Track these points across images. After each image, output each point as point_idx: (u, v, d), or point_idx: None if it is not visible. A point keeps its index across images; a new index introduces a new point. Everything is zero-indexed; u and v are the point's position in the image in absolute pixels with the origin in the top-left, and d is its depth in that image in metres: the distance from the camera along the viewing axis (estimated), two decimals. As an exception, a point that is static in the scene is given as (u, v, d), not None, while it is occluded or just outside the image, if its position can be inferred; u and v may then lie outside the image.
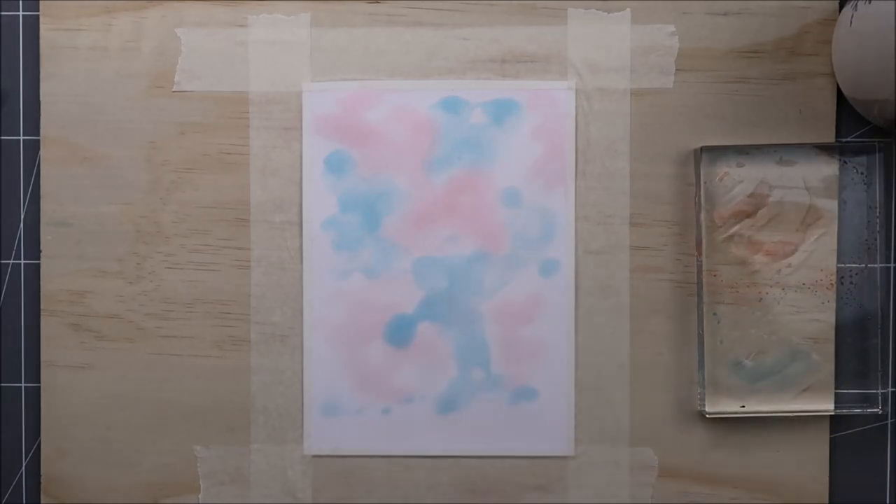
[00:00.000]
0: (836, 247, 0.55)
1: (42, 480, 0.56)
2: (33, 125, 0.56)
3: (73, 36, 0.55)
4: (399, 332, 0.55)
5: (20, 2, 0.56)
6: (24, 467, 0.57)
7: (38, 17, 0.56)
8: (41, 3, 0.55)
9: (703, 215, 0.54)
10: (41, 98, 0.55)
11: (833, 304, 0.55)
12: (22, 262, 0.56)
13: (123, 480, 0.56)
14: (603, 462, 0.55)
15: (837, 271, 0.55)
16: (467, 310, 0.55)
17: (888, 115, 0.51)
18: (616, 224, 0.55)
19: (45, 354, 0.56)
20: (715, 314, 0.55)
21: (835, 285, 0.55)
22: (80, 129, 0.55)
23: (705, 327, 0.54)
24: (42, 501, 0.56)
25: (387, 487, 0.56)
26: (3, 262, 0.57)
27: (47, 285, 0.56)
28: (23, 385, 0.57)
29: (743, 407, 0.55)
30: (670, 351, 0.55)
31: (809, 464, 0.55)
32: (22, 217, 0.56)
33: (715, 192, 0.55)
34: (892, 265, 0.55)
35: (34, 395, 0.56)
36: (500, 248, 0.55)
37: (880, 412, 0.55)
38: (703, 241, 0.54)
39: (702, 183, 0.54)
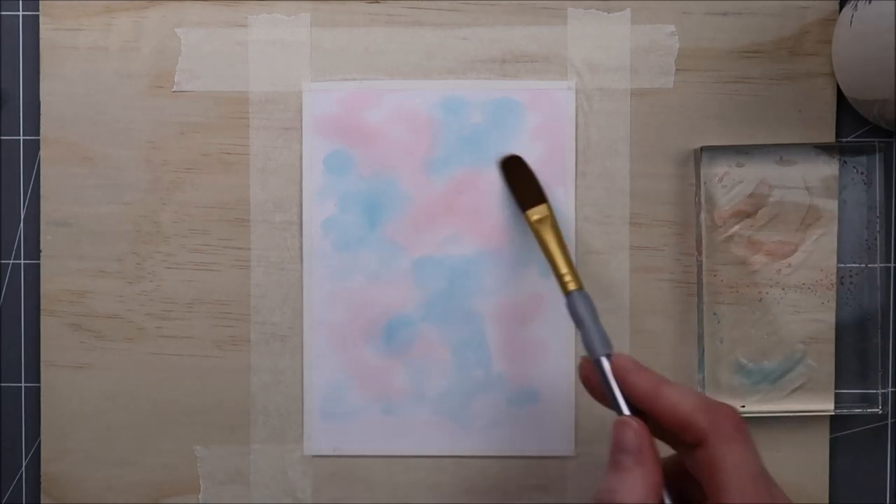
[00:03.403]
0: (836, 247, 0.55)
1: (42, 480, 0.56)
2: (33, 125, 0.56)
3: (73, 36, 0.55)
4: (399, 333, 0.55)
5: (20, 2, 0.56)
6: (23, 467, 0.57)
7: (38, 17, 0.56)
8: (41, 3, 0.55)
9: (703, 215, 0.54)
10: (41, 98, 0.55)
11: (833, 304, 0.55)
12: (22, 262, 0.56)
13: (123, 480, 0.56)
14: (603, 462, 0.55)
15: (837, 271, 0.55)
16: (467, 310, 0.55)
17: (888, 115, 0.51)
18: (616, 224, 0.55)
19: (45, 354, 0.56)
20: (715, 314, 0.55)
21: (835, 285, 0.55)
22: (80, 129, 0.55)
23: (705, 327, 0.54)
24: (42, 501, 0.56)
25: (387, 487, 0.56)
26: (3, 262, 0.57)
27: (47, 285, 0.56)
28: (23, 385, 0.57)
29: (743, 407, 0.55)
30: (670, 351, 0.55)
31: (809, 464, 0.55)
32: (22, 217, 0.57)
33: (715, 192, 0.55)
34: (892, 265, 0.55)
35: (34, 395, 0.56)
36: (500, 248, 0.55)
37: (880, 412, 0.55)
38: (703, 241, 0.54)
39: (702, 183, 0.54)
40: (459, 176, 0.55)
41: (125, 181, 0.56)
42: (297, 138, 0.55)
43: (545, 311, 0.55)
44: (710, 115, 0.55)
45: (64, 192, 0.56)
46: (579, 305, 0.49)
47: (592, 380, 0.47)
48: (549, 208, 0.53)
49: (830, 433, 0.55)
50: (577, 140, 0.55)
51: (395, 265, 0.55)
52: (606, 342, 0.47)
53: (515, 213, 0.55)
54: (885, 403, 0.55)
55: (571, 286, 0.50)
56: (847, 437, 0.56)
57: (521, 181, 0.54)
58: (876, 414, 0.55)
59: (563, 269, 0.51)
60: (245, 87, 0.55)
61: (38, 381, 0.56)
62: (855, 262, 0.55)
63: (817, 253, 0.55)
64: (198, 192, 0.56)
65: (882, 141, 0.55)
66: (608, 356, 0.46)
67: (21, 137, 0.56)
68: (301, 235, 0.56)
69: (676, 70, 0.55)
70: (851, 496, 0.55)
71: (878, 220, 0.55)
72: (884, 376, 0.55)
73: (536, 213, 0.53)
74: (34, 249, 0.56)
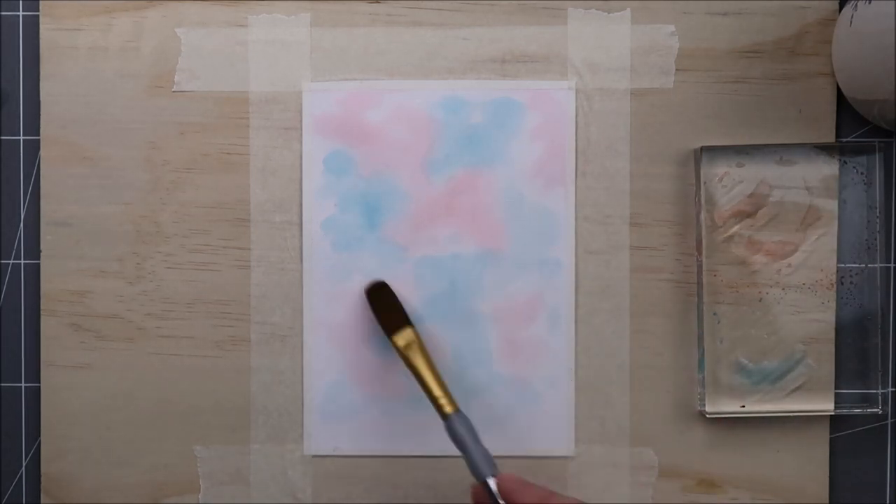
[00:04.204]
0: (836, 247, 0.55)
1: (42, 480, 0.56)
2: (33, 125, 0.56)
3: (73, 36, 0.55)
4: (399, 332, 0.55)
5: (20, 2, 0.56)
6: (24, 467, 0.57)
7: (38, 17, 0.56)
8: (41, 3, 0.55)
9: (703, 215, 0.54)
10: (41, 98, 0.55)
11: (833, 304, 0.55)
12: (22, 262, 0.56)
13: (123, 480, 0.56)
14: (603, 462, 0.55)
15: (837, 271, 0.55)
16: (468, 310, 0.55)
17: (888, 115, 0.51)
18: (616, 224, 0.55)
19: (45, 354, 0.56)
20: (715, 314, 0.55)
21: (835, 285, 0.55)
22: (80, 129, 0.55)
23: (705, 327, 0.54)
24: (42, 501, 0.56)
25: (387, 487, 0.56)
26: (3, 262, 0.57)
27: (47, 285, 0.56)
28: (23, 385, 0.57)
29: (743, 407, 0.55)
30: (670, 351, 0.55)
31: (809, 464, 0.55)
32: (22, 217, 0.56)
33: (715, 192, 0.55)
34: (892, 265, 0.55)
35: (34, 395, 0.56)
36: (500, 248, 0.55)
37: (880, 412, 0.55)
38: (703, 241, 0.54)
39: (702, 183, 0.54)
40: (459, 176, 0.55)
41: (125, 181, 0.56)
42: (297, 138, 0.55)
43: (545, 311, 0.55)
44: (710, 115, 0.55)
45: (64, 192, 0.56)
46: (459, 428, 0.50)
47: (484, 502, 0.49)
48: (415, 332, 0.53)
49: (830, 433, 0.55)
50: (577, 140, 0.55)
51: (395, 265, 0.55)
52: (490, 463, 0.49)
53: (516, 212, 0.55)
54: (885, 403, 0.55)
55: (448, 409, 0.51)
56: (847, 437, 0.56)
57: (385, 306, 0.54)
58: (876, 414, 0.55)
59: (437, 391, 0.52)
60: (245, 87, 0.55)
61: (38, 381, 0.56)
62: (855, 262, 0.55)
63: (817, 253, 0.55)
64: (198, 192, 0.56)
65: (882, 141, 0.55)
66: (494, 476, 0.48)
67: (21, 137, 0.56)
68: (301, 235, 0.56)
69: (676, 70, 0.55)
70: (851, 496, 0.55)
71: (878, 220, 0.55)
72: (884, 376, 0.55)
73: (402, 338, 0.53)
74: (34, 249, 0.56)
